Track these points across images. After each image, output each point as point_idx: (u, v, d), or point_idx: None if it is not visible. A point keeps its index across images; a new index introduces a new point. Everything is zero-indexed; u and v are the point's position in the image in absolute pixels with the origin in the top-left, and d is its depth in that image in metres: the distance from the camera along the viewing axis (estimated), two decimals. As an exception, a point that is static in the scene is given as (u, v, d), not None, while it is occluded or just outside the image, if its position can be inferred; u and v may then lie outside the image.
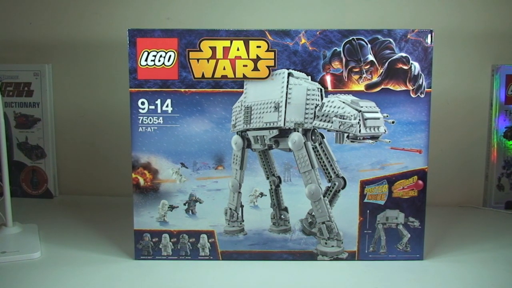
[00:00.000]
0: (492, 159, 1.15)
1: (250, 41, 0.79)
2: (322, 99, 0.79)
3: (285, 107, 0.80)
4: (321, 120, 0.80)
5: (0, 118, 0.89)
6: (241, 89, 0.80)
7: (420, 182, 0.81)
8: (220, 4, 1.17)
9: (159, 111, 0.80)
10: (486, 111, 1.16)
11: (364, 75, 0.79)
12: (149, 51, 0.79)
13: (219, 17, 1.18)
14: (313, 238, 0.83)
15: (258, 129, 0.82)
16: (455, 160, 1.18)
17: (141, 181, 0.82)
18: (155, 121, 0.81)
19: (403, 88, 0.79)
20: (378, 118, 0.79)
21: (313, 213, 0.82)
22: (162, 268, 0.81)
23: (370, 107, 0.79)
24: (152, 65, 0.79)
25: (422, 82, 0.79)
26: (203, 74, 0.79)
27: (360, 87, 0.80)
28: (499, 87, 1.12)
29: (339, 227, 0.82)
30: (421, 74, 0.79)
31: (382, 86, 0.79)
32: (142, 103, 0.80)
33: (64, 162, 1.25)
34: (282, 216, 0.83)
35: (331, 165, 0.81)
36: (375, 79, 0.79)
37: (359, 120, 0.78)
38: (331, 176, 0.81)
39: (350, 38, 0.78)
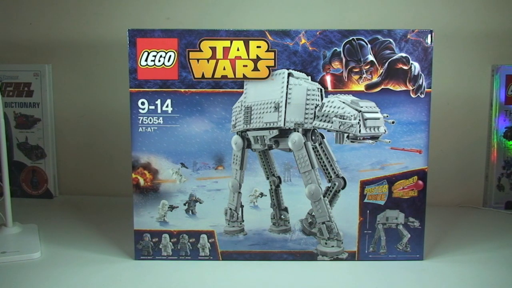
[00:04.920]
0: (492, 159, 1.15)
1: (250, 41, 0.79)
2: (322, 99, 0.79)
3: (285, 107, 0.80)
4: (321, 120, 0.80)
5: (0, 118, 0.89)
6: (241, 89, 0.80)
7: (420, 182, 0.81)
8: (220, 4, 1.17)
9: (159, 111, 0.80)
10: (486, 111, 1.16)
11: (364, 75, 0.79)
12: (149, 51, 0.79)
13: (219, 17, 1.17)
14: (313, 238, 0.83)
15: (258, 129, 0.82)
16: (455, 160, 1.18)
17: (141, 181, 0.82)
18: (155, 121, 0.81)
19: (403, 88, 0.79)
20: (378, 118, 0.79)
21: (313, 213, 0.82)
22: (162, 268, 0.81)
23: (370, 107, 0.79)
24: (152, 65, 0.79)
25: (422, 82, 0.79)
26: (203, 74, 0.79)
27: (360, 87, 0.80)
28: (499, 87, 1.12)
29: (339, 227, 0.82)
30: (421, 74, 0.79)
31: (382, 86, 0.79)
32: (142, 103, 0.80)
33: (64, 162, 1.25)
34: (282, 216, 0.83)
35: (331, 165, 0.81)
36: (375, 79, 0.79)
37: (359, 120, 0.78)
38: (331, 176, 0.81)
39: (350, 38, 0.78)
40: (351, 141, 0.79)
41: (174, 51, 0.79)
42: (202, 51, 0.79)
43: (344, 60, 0.79)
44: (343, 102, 0.79)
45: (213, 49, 0.79)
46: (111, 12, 1.20)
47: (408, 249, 0.83)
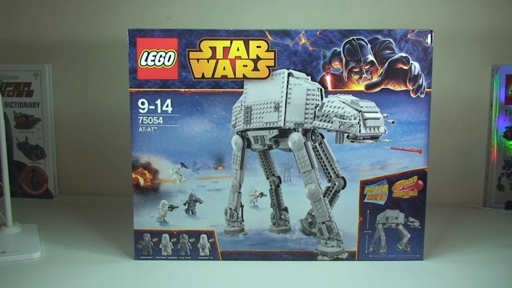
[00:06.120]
0: (492, 159, 1.15)
1: (250, 41, 0.79)
2: (322, 99, 0.79)
3: (285, 107, 0.80)
4: (321, 120, 0.80)
5: (0, 118, 0.89)
6: (241, 89, 0.80)
7: (420, 182, 0.81)
8: (220, 4, 1.17)
9: (159, 111, 0.80)
10: (486, 111, 1.16)
11: (364, 75, 0.79)
12: (149, 51, 0.79)
13: (219, 17, 1.18)
14: (313, 238, 0.83)
15: (258, 129, 0.82)
16: (455, 160, 1.18)
17: (141, 181, 0.82)
18: (155, 121, 0.81)
19: (403, 88, 0.79)
20: (378, 118, 0.79)
21: (313, 213, 0.82)
22: (162, 268, 0.81)
23: (370, 107, 0.79)
24: (152, 65, 0.79)
25: (422, 82, 0.79)
26: (203, 74, 0.79)
27: (360, 87, 0.80)
28: (499, 87, 1.12)
29: (339, 227, 0.82)
30: (421, 74, 0.79)
31: (382, 86, 0.79)
32: (142, 103, 0.80)
33: (64, 162, 1.25)
34: (282, 216, 0.83)
35: (331, 165, 0.81)
36: (375, 79, 0.79)
37: (359, 120, 0.78)
38: (331, 176, 0.81)
39: (350, 38, 0.78)
40: (351, 141, 0.79)
41: (174, 51, 0.79)
42: (202, 51, 0.79)
43: (344, 60, 0.79)
44: (343, 102, 0.79)
45: (213, 49, 0.79)
46: (111, 12, 1.20)
47: (408, 249, 0.83)
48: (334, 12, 1.16)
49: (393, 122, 0.80)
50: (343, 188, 0.81)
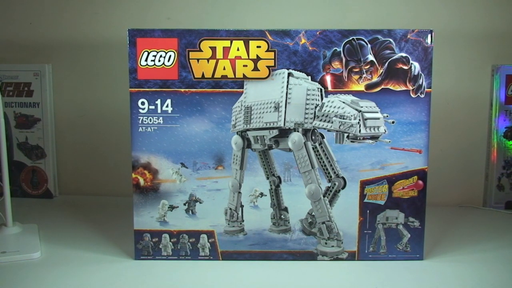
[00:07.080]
0: (492, 159, 1.15)
1: (250, 41, 0.79)
2: (322, 99, 0.80)
3: (285, 107, 0.80)
4: (321, 120, 0.80)
5: (0, 118, 0.89)
6: (241, 89, 0.80)
7: (420, 182, 0.81)
8: (220, 4, 1.17)
9: (159, 111, 0.80)
10: (486, 111, 1.16)
11: (364, 75, 0.79)
12: (149, 51, 0.79)
13: (219, 17, 1.18)
14: (313, 238, 0.83)
15: (258, 129, 0.82)
16: (455, 160, 1.18)
17: (141, 181, 0.82)
18: (155, 121, 0.81)
19: (403, 88, 0.79)
20: (378, 118, 0.79)
21: (313, 213, 0.82)
22: (162, 268, 0.81)
23: (370, 107, 0.79)
24: (152, 65, 0.79)
25: (422, 82, 0.79)
26: (203, 74, 0.79)
27: (360, 87, 0.80)
28: (499, 87, 1.12)
29: (339, 227, 0.82)
30: (421, 74, 0.79)
31: (382, 86, 0.79)
32: (142, 103, 0.80)
33: (64, 162, 1.25)
34: (282, 216, 0.83)
35: (331, 165, 0.81)
36: (375, 79, 0.79)
37: (359, 120, 0.78)
38: (331, 176, 0.81)
39: (350, 38, 0.78)
40: (351, 141, 0.79)
41: (174, 51, 0.79)
42: (202, 51, 0.79)
43: (344, 60, 0.79)
44: (343, 102, 0.79)
45: (213, 49, 0.79)
46: (111, 12, 1.20)
47: (408, 249, 0.83)
48: (334, 12, 1.16)
49: (393, 122, 0.80)
50: (343, 188, 0.81)
